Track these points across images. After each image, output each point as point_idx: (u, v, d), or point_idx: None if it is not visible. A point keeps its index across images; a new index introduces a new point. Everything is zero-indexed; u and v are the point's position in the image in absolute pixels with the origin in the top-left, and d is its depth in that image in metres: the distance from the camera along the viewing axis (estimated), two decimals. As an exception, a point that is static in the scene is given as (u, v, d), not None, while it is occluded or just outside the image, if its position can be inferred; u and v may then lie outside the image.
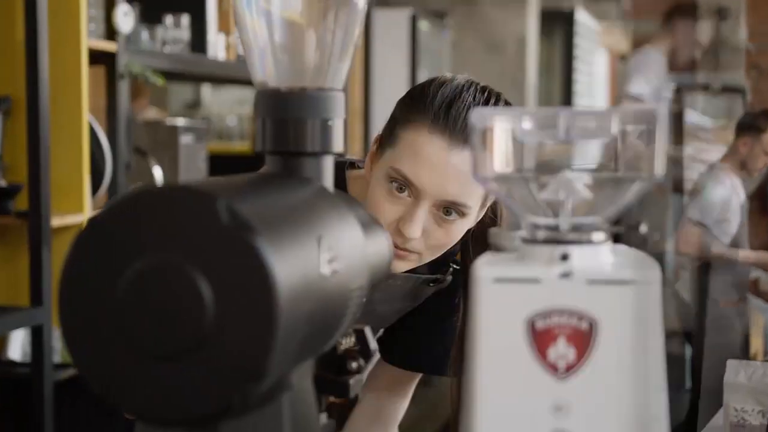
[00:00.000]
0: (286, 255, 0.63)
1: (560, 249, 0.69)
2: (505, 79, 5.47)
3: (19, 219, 2.40)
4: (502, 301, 0.69)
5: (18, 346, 2.60)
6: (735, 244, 4.37)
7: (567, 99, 7.48)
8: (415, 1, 5.17)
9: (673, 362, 4.07)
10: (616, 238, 0.76)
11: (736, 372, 2.04)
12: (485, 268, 0.69)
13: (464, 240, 1.34)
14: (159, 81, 2.80)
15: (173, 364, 0.61)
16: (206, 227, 0.61)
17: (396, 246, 1.26)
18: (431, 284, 1.42)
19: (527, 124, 0.71)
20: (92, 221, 0.63)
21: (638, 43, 10.04)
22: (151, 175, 2.93)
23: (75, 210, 2.51)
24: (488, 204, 1.33)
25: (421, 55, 4.85)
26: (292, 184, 0.76)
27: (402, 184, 1.25)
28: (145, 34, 2.98)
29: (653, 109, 0.68)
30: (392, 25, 4.79)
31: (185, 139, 3.06)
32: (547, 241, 0.71)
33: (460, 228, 1.28)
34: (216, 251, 0.60)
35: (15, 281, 2.48)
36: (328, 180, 0.81)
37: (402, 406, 1.50)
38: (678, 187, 4.85)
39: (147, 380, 0.62)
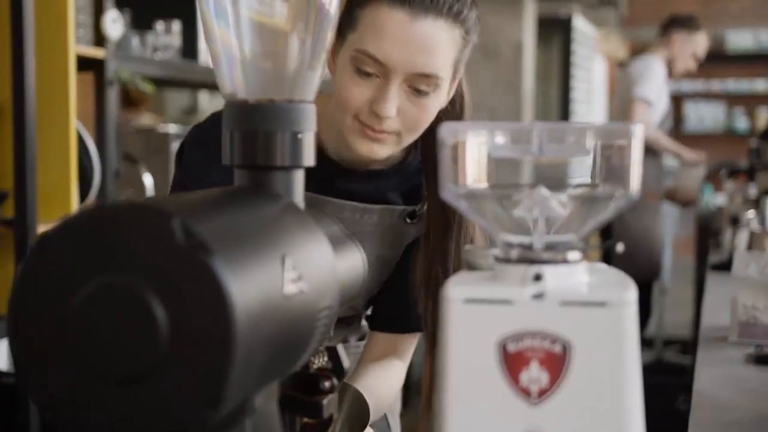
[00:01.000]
0: (245, 275, 0.60)
1: (533, 269, 0.67)
2: (501, 85, 5.45)
3: (4, 227, 2.38)
4: (472, 323, 0.66)
5: (4, 355, 2.58)
6: (661, 127, 4.52)
7: (565, 106, 7.45)
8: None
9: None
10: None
11: (745, 264, 1.87)
12: (455, 289, 0.67)
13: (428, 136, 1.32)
14: (148, 88, 2.77)
15: (126, 388, 0.59)
16: (161, 246, 0.58)
17: (372, 129, 1.25)
18: (408, 219, 1.39)
19: (500, 139, 0.68)
20: (44, 238, 0.61)
21: (636, 50, 10.04)
22: (141, 183, 2.91)
23: (62, 217, 2.48)
24: (459, 77, 1.31)
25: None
26: (259, 200, 0.73)
27: (368, 65, 1.22)
28: (135, 40, 2.95)
29: (629, 126, 0.66)
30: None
31: (177, 146, 3.03)
32: (521, 261, 0.68)
33: (434, 103, 1.26)
34: (171, 271, 0.58)
35: (2, 289, 2.45)
36: (299, 195, 0.79)
37: (400, 373, 1.45)
38: (671, 195, 4.85)
39: (99, 404, 0.59)
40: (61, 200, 2.47)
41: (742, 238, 2.91)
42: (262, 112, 0.78)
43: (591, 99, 8.48)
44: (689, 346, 5.06)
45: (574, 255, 0.68)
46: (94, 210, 0.60)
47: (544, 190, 0.68)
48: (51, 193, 2.47)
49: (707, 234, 4.87)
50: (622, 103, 4.50)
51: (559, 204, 0.68)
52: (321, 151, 1.36)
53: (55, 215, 2.47)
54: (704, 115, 10.15)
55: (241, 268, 0.60)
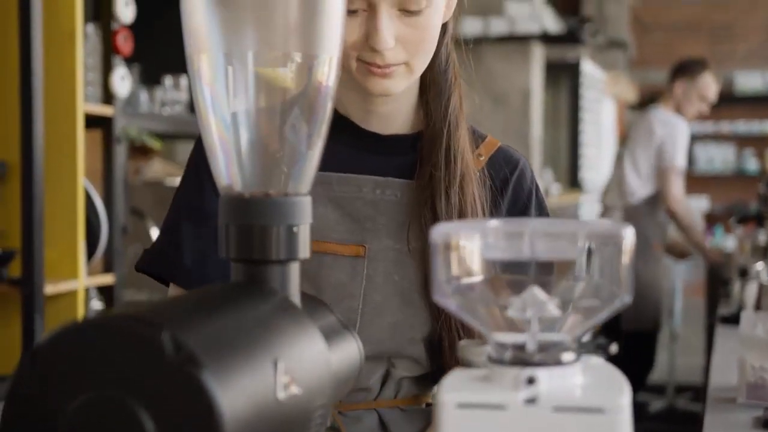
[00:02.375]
0: (236, 385, 0.60)
1: (526, 372, 0.67)
2: (510, 132, 5.46)
3: (11, 286, 2.38)
4: (466, 428, 0.66)
5: None
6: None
7: (574, 149, 7.47)
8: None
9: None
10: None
11: (752, 324, 1.83)
12: (449, 393, 0.67)
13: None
14: (156, 145, 2.79)
15: (116, 501, 0.58)
16: (151, 359, 0.58)
17: (377, 66, 1.16)
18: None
19: (491, 240, 0.68)
20: (35, 350, 0.61)
21: (645, 92, 10.07)
22: (148, 237, 2.92)
23: (69, 276, 2.49)
24: None
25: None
26: (253, 299, 0.73)
27: (350, 2, 1.13)
28: (144, 95, 2.98)
29: (620, 230, 0.66)
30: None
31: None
32: (514, 363, 0.68)
33: (432, 19, 1.17)
34: (161, 385, 0.58)
35: (8, 350, 2.45)
36: (294, 288, 0.79)
37: None
38: (669, 248, 4.83)
39: None
40: (68, 259, 2.48)
41: (751, 291, 2.89)
42: (257, 206, 0.78)
43: (600, 142, 8.49)
44: (701, 393, 5.02)
45: (567, 356, 0.68)
46: (85, 323, 0.60)
47: (537, 291, 0.68)
48: (59, 251, 2.48)
49: (717, 281, 4.85)
50: (654, 165, 4.46)
51: (552, 305, 0.67)
52: (346, 121, 1.27)
53: (63, 274, 2.48)
54: (714, 157, 10.15)
55: (232, 378, 0.60)
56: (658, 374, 6.06)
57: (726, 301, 3.72)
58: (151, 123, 2.91)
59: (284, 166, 0.79)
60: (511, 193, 1.29)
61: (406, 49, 1.16)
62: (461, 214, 1.21)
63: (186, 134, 3.27)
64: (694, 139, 10.16)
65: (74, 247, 2.48)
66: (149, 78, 3.05)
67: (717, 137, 10.20)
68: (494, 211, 1.26)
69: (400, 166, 1.26)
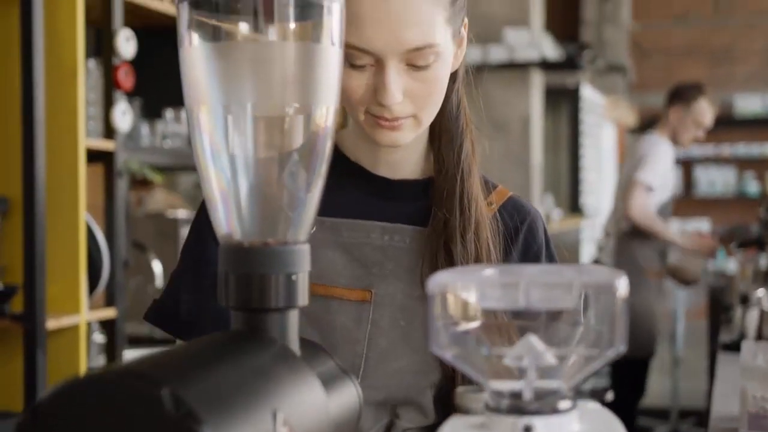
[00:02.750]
0: (235, 439, 0.61)
1: (523, 420, 0.67)
2: (510, 159, 5.48)
3: (13, 321, 2.39)
4: (463, 478, 0.66)
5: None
6: (662, 213, 4.48)
7: (574, 174, 7.49)
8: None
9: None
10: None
11: (753, 354, 1.83)
12: (446, 442, 0.67)
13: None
14: (157, 179, 2.81)
15: None
16: (150, 416, 0.59)
17: (386, 119, 1.15)
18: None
19: (487, 289, 0.69)
20: (36, 406, 0.62)
21: (645, 116, 10.11)
22: (150, 270, 2.92)
23: (71, 311, 2.50)
24: (463, 36, 1.23)
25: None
26: (252, 349, 0.74)
27: (358, 57, 1.12)
28: (145, 129, 3.00)
29: (615, 280, 0.67)
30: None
31: (186, 232, 3.05)
32: (511, 411, 0.68)
33: (440, 72, 1.16)
34: (161, 441, 0.59)
35: (10, 385, 2.46)
36: (293, 335, 0.80)
37: None
38: (672, 273, 4.82)
39: None
40: (70, 294, 2.48)
41: (752, 318, 2.89)
42: (256, 255, 0.79)
43: (600, 166, 8.51)
44: (705, 418, 5.00)
45: (564, 404, 0.69)
46: (85, 379, 0.61)
47: (534, 339, 0.69)
48: (60, 287, 2.49)
49: (719, 305, 4.85)
50: (625, 181, 4.50)
51: (549, 354, 0.68)
52: (356, 166, 1.28)
53: (65, 309, 2.48)
54: (715, 180, 10.17)
55: (232, 432, 0.61)
56: (661, 399, 6.04)
57: (728, 327, 3.72)
58: (152, 156, 2.93)
59: (283, 215, 0.80)
60: (522, 244, 1.28)
61: (414, 102, 1.16)
62: (477, 260, 1.22)
63: (187, 166, 3.29)
64: (695, 161, 10.20)
65: (76, 282, 2.49)
66: (150, 111, 3.07)
67: (718, 160, 10.23)
68: (506, 259, 1.27)
69: (409, 211, 1.26)
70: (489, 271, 0.72)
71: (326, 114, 0.80)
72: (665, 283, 4.76)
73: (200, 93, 0.79)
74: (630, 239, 4.43)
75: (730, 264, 8.68)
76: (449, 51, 1.18)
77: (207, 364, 0.68)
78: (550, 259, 1.30)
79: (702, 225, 10.23)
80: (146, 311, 1.31)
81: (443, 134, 1.27)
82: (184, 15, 0.78)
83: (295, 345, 0.79)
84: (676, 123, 4.50)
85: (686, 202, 10.32)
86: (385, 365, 1.21)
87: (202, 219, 1.28)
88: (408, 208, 1.27)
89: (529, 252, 1.29)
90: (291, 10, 0.79)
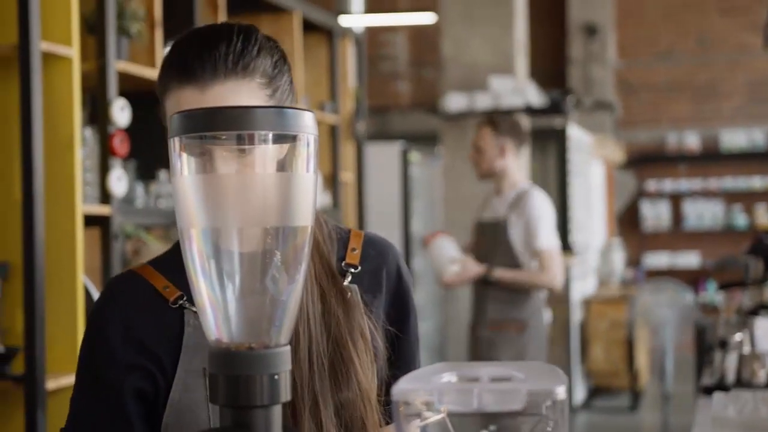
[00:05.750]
0: None
1: None
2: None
3: (14, 383, 2.47)
4: None
5: None
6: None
7: (563, 213, 7.59)
8: (407, 133, 5.31)
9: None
10: None
11: (724, 405, 1.90)
12: None
13: None
14: (152, 241, 2.91)
15: None
16: None
17: None
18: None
19: (445, 397, 0.79)
20: None
21: (633, 152, 10.24)
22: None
23: (71, 371, 2.58)
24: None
25: (413, 184, 4.97)
26: (238, 447, 0.84)
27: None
28: (140, 190, 3.10)
29: (555, 385, 0.77)
30: (384, 158, 4.93)
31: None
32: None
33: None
34: None
35: (11, 445, 2.54)
36: (276, 429, 0.89)
37: None
38: None
39: None
40: (69, 355, 2.57)
41: (732, 362, 2.97)
42: (242, 358, 0.89)
43: (589, 203, 8.62)
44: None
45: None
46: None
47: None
48: (60, 347, 2.58)
49: (704, 342, 4.92)
50: None
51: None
52: None
53: (64, 369, 2.57)
54: (703, 213, 10.30)
55: None
56: (652, 435, 6.12)
57: (710, 368, 3.79)
58: (147, 217, 3.03)
59: (265, 322, 0.90)
60: (390, 282, 1.36)
61: None
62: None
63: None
64: (684, 195, 10.33)
65: (75, 343, 2.58)
66: (145, 173, 3.18)
67: (706, 194, 10.36)
68: (374, 300, 1.33)
69: None
70: (446, 377, 0.81)
71: (304, 232, 0.90)
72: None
73: (191, 216, 0.89)
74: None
75: (719, 297, 8.77)
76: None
77: (199, 467, 0.78)
78: (407, 296, 1.38)
79: (691, 258, 10.35)
80: None
81: None
82: (176, 148, 0.89)
83: (278, 439, 0.89)
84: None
85: (676, 236, 10.44)
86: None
87: (90, 337, 1.30)
88: None
89: (398, 294, 1.36)
90: (270, 140, 0.89)
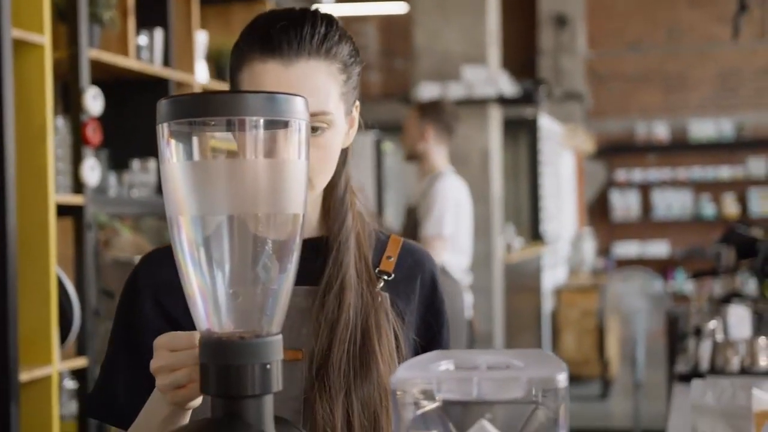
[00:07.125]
0: None
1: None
2: (471, 190, 5.57)
3: (-13, 375, 2.44)
4: None
5: None
6: None
7: (534, 203, 7.62)
8: (379, 122, 5.29)
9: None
10: None
11: (702, 392, 1.89)
12: None
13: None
14: (125, 231, 2.87)
15: None
16: None
17: None
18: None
19: (444, 385, 0.78)
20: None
21: (603, 141, 10.29)
22: (120, 317, 2.97)
23: (43, 362, 2.55)
24: (355, 113, 1.30)
25: (386, 175, 4.96)
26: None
27: None
28: (113, 180, 3.06)
29: (556, 373, 0.76)
30: (357, 148, 4.87)
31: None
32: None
33: (332, 139, 1.24)
34: None
35: (-14, 435, 2.50)
36: (268, 419, 0.88)
37: None
38: None
39: None
40: (42, 345, 2.54)
41: (706, 349, 2.99)
42: (233, 348, 0.87)
43: (560, 192, 8.65)
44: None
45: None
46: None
47: (486, 424, 0.78)
48: (31, 338, 2.54)
49: (676, 330, 4.94)
50: None
51: (497, 438, 0.77)
52: None
53: (37, 360, 2.54)
54: (672, 203, 10.36)
55: None
56: (623, 421, 6.15)
57: (684, 356, 3.81)
58: (120, 206, 3.00)
59: (257, 311, 0.89)
60: (424, 293, 1.35)
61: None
62: (335, 322, 1.25)
63: (154, 214, 3.35)
64: (653, 185, 10.39)
65: (48, 334, 2.55)
66: (118, 162, 3.14)
67: (675, 183, 10.42)
68: (407, 307, 1.33)
69: (306, 271, 1.28)
70: (444, 365, 0.80)
71: (294, 220, 0.89)
72: None
73: (179, 204, 0.87)
74: None
75: (688, 286, 8.84)
76: (342, 124, 1.26)
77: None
78: (442, 307, 1.37)
79: (660, 248, 10.42)
80: (87, 408, 1.32)
81: (330, 212, 1.32)
82: (164, 135, 0.87)
83: (270, 428, 0.87)
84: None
85: (645, 225, 10.50)
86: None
87: (125, 302, 1.31)
88: (304, 266, 1.33)
89: (432, 305, 1.36)
90: (261, 126, 0.87)
